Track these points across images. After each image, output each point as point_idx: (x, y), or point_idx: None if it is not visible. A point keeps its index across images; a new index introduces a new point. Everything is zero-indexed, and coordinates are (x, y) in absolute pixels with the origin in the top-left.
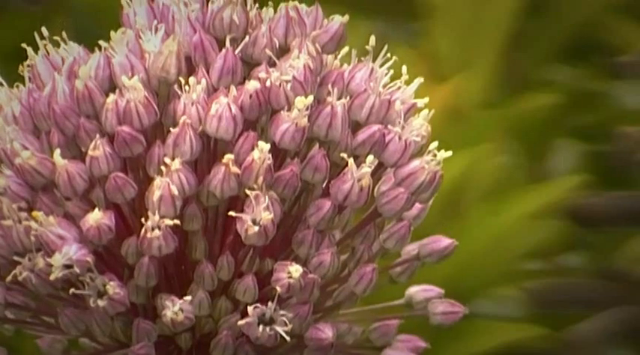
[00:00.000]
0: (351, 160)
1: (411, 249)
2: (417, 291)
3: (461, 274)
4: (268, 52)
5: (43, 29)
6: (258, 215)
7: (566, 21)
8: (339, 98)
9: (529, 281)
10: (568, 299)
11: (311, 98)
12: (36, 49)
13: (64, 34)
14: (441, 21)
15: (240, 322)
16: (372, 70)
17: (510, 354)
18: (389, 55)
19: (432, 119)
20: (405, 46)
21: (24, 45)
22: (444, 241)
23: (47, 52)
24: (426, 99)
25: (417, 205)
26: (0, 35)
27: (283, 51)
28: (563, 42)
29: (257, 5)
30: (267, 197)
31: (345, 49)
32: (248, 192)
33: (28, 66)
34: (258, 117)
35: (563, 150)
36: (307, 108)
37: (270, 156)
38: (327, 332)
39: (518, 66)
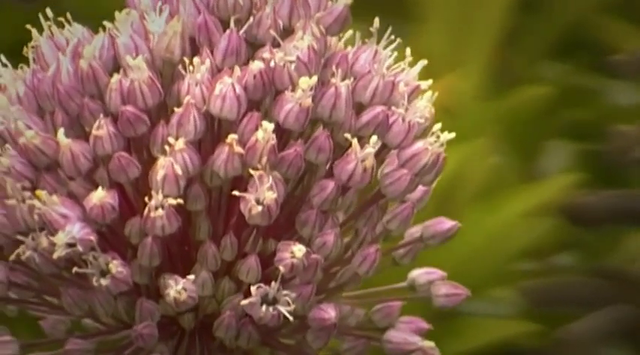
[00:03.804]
0: (354, 140)
1: (414, 231)
2: (419, 274)
3: (454, 273)
4: (272, 32)
5: (48, 10)
6: (262, 194)
7: (558, 19)
8: (343, 79)
9: (523, 281)
10: (562, 299)
11: (315, 79)
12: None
13: (68, 15)
14: (432, 19)
15: (244, 302)
16: (376, 51)
17: (504, 353)
18: (392, 37)
19: None
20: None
21: (28, 26)
22: (447, 223)
23: (51, 33)
24: (430, 81)
25: (421, 188)
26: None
27: (287, 32)
28: (555, 40)
29: None
30: (270, 177)
31: (349, 32)
32: (252, 172)
33: (33, 47)
34: (262, 98)
35: (556, 148)
36: (311, 89)
37: (274, 136)
38: (330, 312)
39: (511, 63)
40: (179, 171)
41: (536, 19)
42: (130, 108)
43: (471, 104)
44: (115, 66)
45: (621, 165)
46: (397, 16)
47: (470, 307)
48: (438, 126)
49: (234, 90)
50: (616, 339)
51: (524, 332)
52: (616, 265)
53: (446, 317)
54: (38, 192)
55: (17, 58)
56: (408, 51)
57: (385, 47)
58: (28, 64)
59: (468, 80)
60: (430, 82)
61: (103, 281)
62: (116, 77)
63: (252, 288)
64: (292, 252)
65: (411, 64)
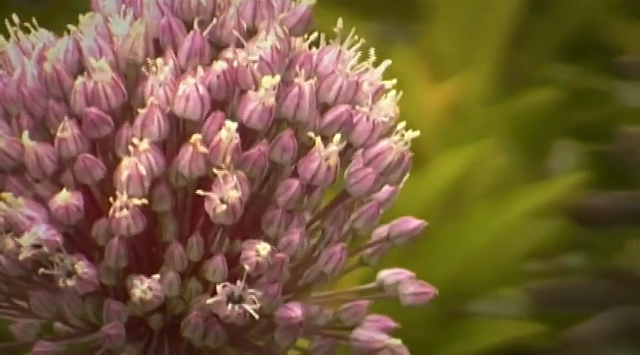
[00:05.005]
0: (318, 139)
1: (381, 231)
2: (387, 275)
3: (461, 274)
4: (236, 33)
5: (14, 16)
6: (226, 193)
7: (566, 20)
8: (306, 79)
9: (530, 281)
10: (569, 299)
11: (278, 78)
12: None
13: (34, 20)
14: (441, 20)
15: (209, 300)
16: (340, 52)
17: (512, 353)
18: (356, 37)
19: (433, 118)
20: (406, 47)
21: None
22: (413, 222)
23: (18, 38)
24: (394, 81)
25: (388, 188)
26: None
27: (251, 33)
28: (563, 41)
29: None
30: (235, 176)
31: (315, 34)
32: (216, 171)
33: (0, 53)
34: (226, 98)
35: (564, 149)
36: (274, 88)
37: (237, 135)
38: (296, 310)
39: (519, 65)
40: (143, 172)
41: (545, 20)
42: (94, 109)
43: (479, 105)
44: (80, 69)
45: (629, 166)
46: (406, 17)
47: (477, 307)
48: (402, 124)
49: (198, 90)
50: (623, 340)
51: (532, 333)
52: (623, 266)
53: (453, 317)
54: (4, 194)
55: None
56: (372, 51)
57: (349, 47)
58: None
59: (476, 81)
60: (395, 81)
61: (69, 282)
62: (80, 79)
63: (218, 287)
64: (257, 251)
65: (375, 64)
